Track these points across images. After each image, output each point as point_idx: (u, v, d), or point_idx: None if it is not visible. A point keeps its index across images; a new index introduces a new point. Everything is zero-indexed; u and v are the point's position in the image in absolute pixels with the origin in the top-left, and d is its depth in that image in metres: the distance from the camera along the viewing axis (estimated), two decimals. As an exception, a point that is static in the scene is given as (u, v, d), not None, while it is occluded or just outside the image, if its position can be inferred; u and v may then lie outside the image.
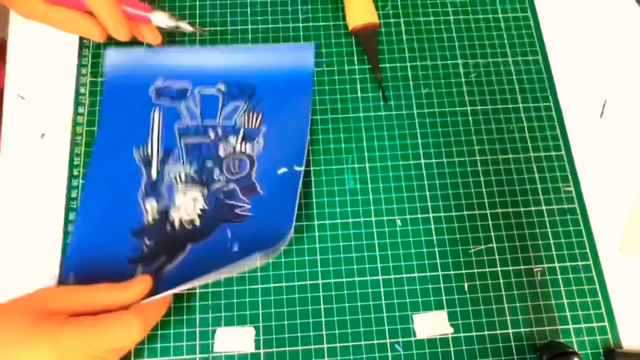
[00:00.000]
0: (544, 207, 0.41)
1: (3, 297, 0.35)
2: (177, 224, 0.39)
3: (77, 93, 0.43)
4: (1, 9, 0.44)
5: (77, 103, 0.43)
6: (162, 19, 0.39)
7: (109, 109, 0.42)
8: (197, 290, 0.38)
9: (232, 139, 0.42)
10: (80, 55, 0.44)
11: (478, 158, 0.42)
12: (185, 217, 0.39)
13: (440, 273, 0.39)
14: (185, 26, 0.40)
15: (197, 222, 0.39)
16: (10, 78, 0.43)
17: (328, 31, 0.46)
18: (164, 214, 0.39)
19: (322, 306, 0.38)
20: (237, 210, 0.40)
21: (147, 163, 0.41)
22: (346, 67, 0.45)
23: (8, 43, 0.43)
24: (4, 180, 0.40)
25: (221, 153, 0.41)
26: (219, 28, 0.46)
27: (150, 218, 0.39)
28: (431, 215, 0.41)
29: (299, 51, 0.44)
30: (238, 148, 0.41)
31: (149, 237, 0.38)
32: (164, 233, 0.39)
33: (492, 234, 0.40)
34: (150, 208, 0.39)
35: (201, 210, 0.40)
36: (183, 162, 0.41)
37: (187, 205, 0.40)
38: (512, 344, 0.38)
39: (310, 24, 0.46)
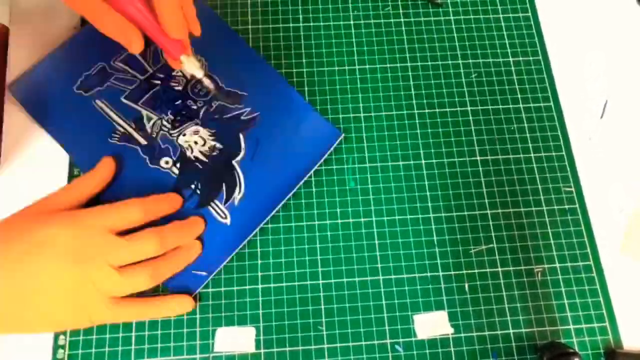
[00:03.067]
0: (544, 208, 0.41)
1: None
2: (203, 158, 0.40)
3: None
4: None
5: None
6: (192, 66, 0.37)
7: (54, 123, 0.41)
8: (198, 291, 0.38)
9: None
10: (81, 55, 0.44)
11: (478, 158, 0.42)
12: (204, 150, 0.40)
13: (440, 273, 0.39)
14: (208, 84, 0.39)
15: (219, 145, 0.41)
16: (11, 79, 0.42)
17: (328, 31, 0.46)
18: (184, 159, 0.40)
19: (322, 306, 0.38)
20: (242, 117, 0.41)
21: (130, 139, 0.41)
22: (347, 67, 0.45)
23: (9, 46, 0.43)
24: (5, 173, 0.40)
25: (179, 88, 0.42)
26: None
27: (176, 170, 0.40)
28: (432, 215, 0.41)
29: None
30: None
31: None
32: (200, 170, 0.40)
33: (493, 234, 0.40)
34: (167, 164, 0.40)
35: (211, 135, 0.41)
36: (157, 116, 0.41)
37: (197, 140, 0.41)
38: (513, 344, 0.38)
39: (311, 23, 0.46)
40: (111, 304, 0.34)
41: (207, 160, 0.40)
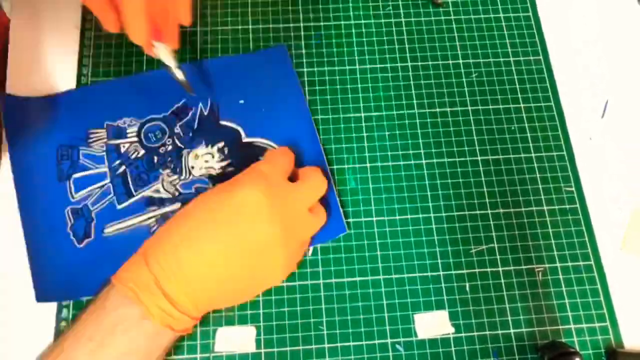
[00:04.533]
0: (545, 207, 0.41)
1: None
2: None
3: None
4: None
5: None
6: (163, 53, 0.37)
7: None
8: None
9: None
10: (81, 55, 0.44)
11: (479, 158, 0.42)
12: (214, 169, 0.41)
13: (441, 273, 0.39)
14: (180, 77, 0.39)
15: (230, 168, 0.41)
16: (12, 78, 0.43)
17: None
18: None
19: (323, 306, 0.38)
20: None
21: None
22: (347, 67, 0.45)
23: (9, 46, 0.43)
24: (5, 175, 0.40)
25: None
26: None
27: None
28: (432, 215, 0.41)
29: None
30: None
31: None
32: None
33: (494, 233, 0.40)
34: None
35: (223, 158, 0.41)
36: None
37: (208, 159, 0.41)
38: (514, 344, 0.38)
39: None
40: (305, 245, 0.38)
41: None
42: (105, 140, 0.41)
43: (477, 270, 0.39)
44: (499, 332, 0.38)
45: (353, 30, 0.46)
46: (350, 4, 0.47)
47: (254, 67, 0.44)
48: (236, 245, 0.32)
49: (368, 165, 0.42)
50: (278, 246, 0.33)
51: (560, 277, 0.39)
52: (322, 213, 0.37)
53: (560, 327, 0.38)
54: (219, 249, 0.32)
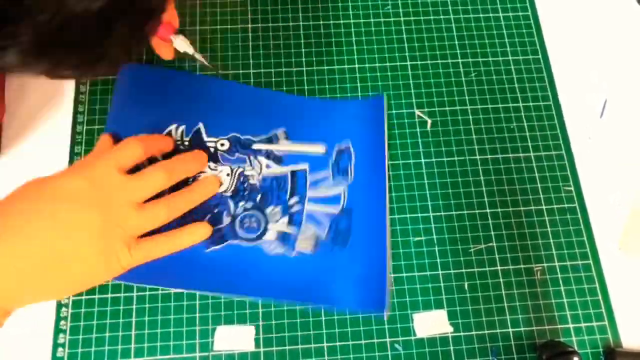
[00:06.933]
0: (544, 207, 0.41)
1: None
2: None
3: (77, 92, 0.43)
4: None
5: (77, 102, 0.43)
6: (183, 45, 0.41)
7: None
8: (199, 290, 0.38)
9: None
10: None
11: (478, 157, 0.42)
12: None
13: (440, 272, 0.39)
14: (200, 58, 0.41)
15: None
16: (10, 77, 0.43)
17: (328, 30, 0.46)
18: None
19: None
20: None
21: None
22: (346, 66, 0.45)
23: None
24: (3, 179, 0.40)
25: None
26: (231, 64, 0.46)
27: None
28: (431, 214, 0.41)
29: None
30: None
31: None
32: None
33: (492, 233, 0.40)
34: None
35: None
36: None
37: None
38: (512, 343, 0.38)
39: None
40: (136, 243, 0.35)
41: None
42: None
43: (475, 269, 0.39)
44: (498, 331, 0.38)
45: (352, 29, 0.46)
46: (350, 3, 0.47)
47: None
48: (45, 234, 0.32)
49: (367, 164, 0.42)
50: (94, 235, 0.33)
51: (559, 276, 0.39)
52: (160, 209, 0.35)
53: (559, 326, 0.38)
54: (25, 239, 0.31)
